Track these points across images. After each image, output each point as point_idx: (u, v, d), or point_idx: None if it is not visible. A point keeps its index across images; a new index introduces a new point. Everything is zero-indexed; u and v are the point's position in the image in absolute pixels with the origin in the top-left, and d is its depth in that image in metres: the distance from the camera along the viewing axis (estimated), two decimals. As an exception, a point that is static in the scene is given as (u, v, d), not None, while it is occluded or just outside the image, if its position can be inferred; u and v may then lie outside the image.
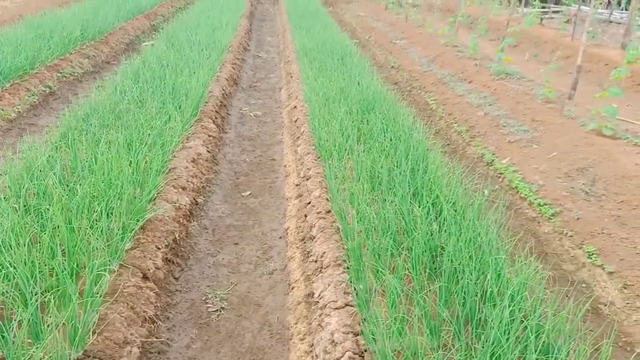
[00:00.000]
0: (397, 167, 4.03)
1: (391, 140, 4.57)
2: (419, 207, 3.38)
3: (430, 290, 2.72)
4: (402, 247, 3.10)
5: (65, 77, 7.65)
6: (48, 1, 13.61)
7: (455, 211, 3.38)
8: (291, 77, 8.32)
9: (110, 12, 10.94)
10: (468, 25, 13.44)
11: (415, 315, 2.54)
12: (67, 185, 3.57)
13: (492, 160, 5.66)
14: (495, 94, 7.42)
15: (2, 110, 5.96)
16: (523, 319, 2.39)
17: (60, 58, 7.89)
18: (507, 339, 2.21)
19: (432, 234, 3.13)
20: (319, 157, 4.85)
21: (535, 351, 2.19)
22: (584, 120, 6.00)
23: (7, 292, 2.53)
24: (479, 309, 2.58)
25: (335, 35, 10.05)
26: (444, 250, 2.95)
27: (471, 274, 2.66)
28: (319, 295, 3.10)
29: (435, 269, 2.98)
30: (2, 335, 2.29)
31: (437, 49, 10.59)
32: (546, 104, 6.75)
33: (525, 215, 4.64)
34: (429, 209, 3.38)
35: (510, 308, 2.39)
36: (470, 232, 3.03)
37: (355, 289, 2.93)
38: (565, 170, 5.00)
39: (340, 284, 3.03)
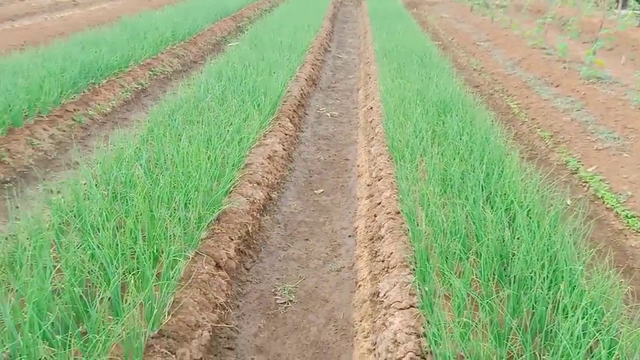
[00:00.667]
0: (471, 170, 3.94)
1: (467, 143, 4.47)
2: (492, 212, 3.30)
3: (498, 297, 2.65)
4: (470, 251, 3.04)
5: (156, 75, 8.12)
6: (144, 3, 14.48)
7: (530, 218, 3.26)
8: (369, 78, 8.34)
9: (200, 14, 11.46)
10: (558, 26, 12.82)
11: (480, 322, 2.49)
12: (151, 176, 3.80)
13: (577, 168, 5.38)
14: (584, 99, 7.04)
15: (99, 104, 6.43)
16: (596, 333, 2.27)
17: (152, 57, 8.38)
18: (578, 353, 2.12)
19: (503, 240, 3.04)
20: (391, 158, 4.83)
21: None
22: (683, 128, 5.57)
23: (92, 271, 2.74)
24: (549, 319, 2.48)
25: (416, 37, 9.95)
26: (515, 258, 2.86)
27: (543, 283, 2.57)
28: (385, 294, 3.10)
29: (504, 276, 2.89)
30: (86, 310, 2.49)
31: (523, 51, 10.20)
32: (640, 111, 6.32)
33: (610, 227, 4.38)
34: (502, 214, 3.28)
35: (584, 321, 2.29)
36: (545, 240, 2.92)
37: (420, 290, 2.91)
38: (657, 181, 4.67)
39: (406, 285, 3.02)
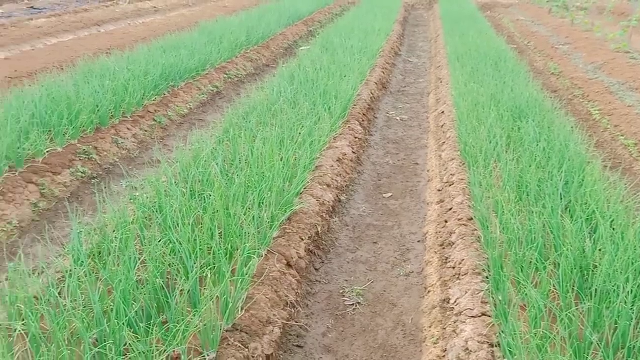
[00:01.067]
0: (548, 178, 3.81)
1: (544, 150, 4.32)
2: (571, 221, 3.17)
3: (577, 309, 2.55)
4: (548, 261, 2.93)
5: (230, 78, 8.38)
6: (220, 9, 14.98)
7: (614, 229, 3.11)
8: (441, 82, 8.22)
9: (273, 19, 11.73)
10: (645, 29, 12.09)
11: (559, 334, 2.40)
12: (227, 175, 3.94)
13: (664, 179, 5.06)
14: (674, 106, 6.60)
15: (177, 106, 6.73)
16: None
17: (227, 61, 8.67)
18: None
19: (584, 251, 2.92)
20: (463, 164, 4.75)
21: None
22: None
23: (173, 264, 2.88)
24: (633, 335, 2.36)
25: (490, 40, 9.70)
26: (597, 270, 2.74)
27: (627, 298, 2.44)
28: (455, 301, 3.06)
29: (585, 288, 2.77)
30: (167, 301, 2.62)
31: (605, 55, 9.71)
32: None
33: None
34: (583, 224, 3.15)
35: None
36: (630, 253, 2.77)
37: (493, 299, 2.84)
38: None
39: (478, 293, 2.96)
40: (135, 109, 6.05)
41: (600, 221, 3.10)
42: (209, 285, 2.69)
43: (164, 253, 2.93)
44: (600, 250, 2.91)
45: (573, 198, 3.51)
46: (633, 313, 2.43)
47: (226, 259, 2.98)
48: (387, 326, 3.30)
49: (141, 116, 6.04)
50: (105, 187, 4.65)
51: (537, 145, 4.43)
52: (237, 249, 3.11)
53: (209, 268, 2.86)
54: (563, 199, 3.52)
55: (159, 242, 3.01)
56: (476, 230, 3.63)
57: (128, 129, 5.74)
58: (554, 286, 2.74)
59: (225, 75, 8.29)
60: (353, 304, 3.50)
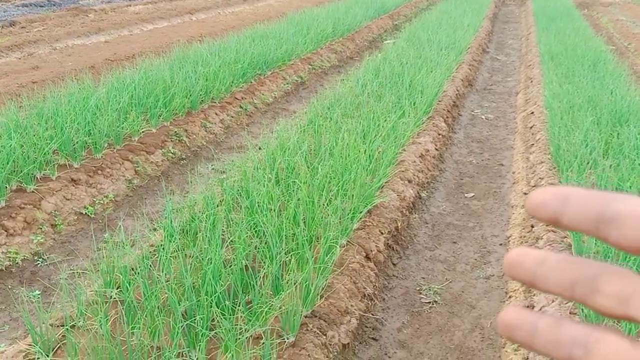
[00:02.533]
0: (650, 188, 3.57)
1: (646, 158, 4.05)
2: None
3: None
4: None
5: (314, 69, 8.47)
6: (307, 0, 15.14)
7: None
8: (531, 81, 7.89)
9: (359, 11, 11.71)
10: None
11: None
12: (311, 164, 4.00)
13: None
14: None
15: (262, 94, 6.89)
16: None
17: (312, 52, 8.76)
18: None
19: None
20: (553, 167, 4.54)
21: None
22: None
23: (258, 247, 2.97)
24: None
25: (587, 40, 9.18)
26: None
27: None
28: (540, 309, 2.94)
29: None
30: (251, 282, 2.71)
31: None
32: None
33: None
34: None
35: None
36: None
37: (583, 311, 2.71)
38: None
39: (566, 303, 2.83)
40: (224, 95, 6.26)
41: None
42: (292, 270, 2.75)
43: (250, 236, 3.02)
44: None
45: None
46: None
47: (309, 246, 3.03)
48: (465, 327, 3.24)
49: (229, 102, 6.24)
50: (193, 169, 4.85)
51: (638, 152, 4.15)
52: (319, 238, 3.15)
53: (292, 254, 2.93)
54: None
55: (245, 224, 3.11)
56: (566, 237, 3.47)
57: (216, 114, 5.95)
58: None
59: (310, 66, 8.38)
60: (430, 302, 3.46)
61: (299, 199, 3.40)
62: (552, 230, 3.60)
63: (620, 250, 0.30)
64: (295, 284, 2.66)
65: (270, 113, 6.75)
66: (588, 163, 4.14)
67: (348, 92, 5.95)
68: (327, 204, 3.45)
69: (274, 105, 7.00)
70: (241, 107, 6.36)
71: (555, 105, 5.52)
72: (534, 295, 3.12)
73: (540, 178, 4.52)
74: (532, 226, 3.91)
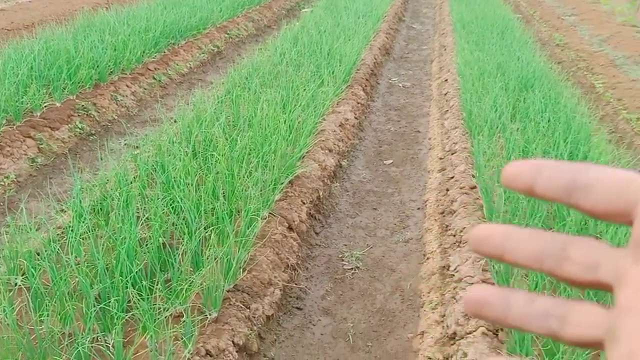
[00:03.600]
0: (553, 149, 3.79)
1: (549, 120, 4.29)
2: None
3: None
4: (550, 232, 2.94)
5: (231, 38, 8.23)
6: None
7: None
8: (445, 49, 8.10)
9: (275, -22, 11.44)
10: (653, 2, 11.90)
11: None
12: (229, 136, 3.90)
13: (666, 154, 5.06)
14: (679, 81, 6.55)
15: (177, 65, 6.62)
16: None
17: (228, 20, 8.49)
18: None
19: (586, 222, 2.93)
20: (466, 132, 4.72)
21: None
22: None
23: (176, 223, 2.87)
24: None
25: (496, 9, 9.53)
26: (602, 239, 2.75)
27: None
28: (455, 268, 3.08)
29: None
30: (170, 260, 2.62)
31: (612, 28, 9.57)
32: None
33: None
34: (586, 196, 3.15)
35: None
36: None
37: (494, 267, 2.86)
38: None
39: (479, 261, 2.97)
40: (135, 66, 5.94)
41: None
42: (212, 245, 2.68)
43: (167, 212, 2.91)
44: (602, 222, 2.92)
45: (577, 170, 3.50)
46: None
47: (229, 220, 2.97)
48: (386, 291, 3.33)
49: (140, 73, 5.94)
50: (104, 145, 4.60)
51: (542, 116, 4.39)
52: (240, 211, 3.10)
53: (212, 228, 2.86)
54: (567, 170, 3.51)
55: (161, 201, 2.99)
56: (478, 199, 3.63)
57: (127, 86, 5.65)
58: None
59: (227, 35, 8.13)
60: (352, 268, 3.52)
61: (217, 172, 3.31)
62: (466, 193, 3.75)
63: (590, 216, 0.31)
64: (215, 259, 2.60)
65: (185, 84, 6.51)
66: (497, 127, 4.33)
67: (266, 61, 5.83)
68: (248, 176, 3.39)
69: (190, 76, 6.75)
70: (154, 78, 6.07)
71: (467, 72, 5.71)
72: (449, 256, 3.25)
73: (454, 143, 4.68)
74: (447, 190, 4.06)
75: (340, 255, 3.65)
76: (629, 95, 6.51)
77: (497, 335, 2.46)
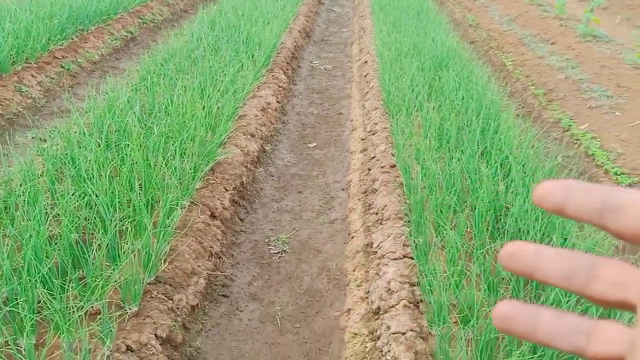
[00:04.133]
0: (467, 125, 3.94)
1: (463, 98, 4.45)
2: (487, 166, 3.32)
3: (491, 248, 2.70)
4: (465, 204, 3.07)
5: (145, 23, 7.91)
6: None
7: (525, 173, 3.29)
8: (364, 31, 8.20)
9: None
10: (556, -17, 12.59)
11: (474, 272, 2.54)
12: (145, 125, 3.76)
13: (570, 126, 5.40)
14: (579, 57, 7.00)
15: (87, 52, 6.28)
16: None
17: (142, 4, 8.15)
18: (568, 300, 2.18)
19: (497, 194, 3.08)
20: (386, 113, 4.81)
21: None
22: (677, 88, 5.58)
23: (89, 217, 2.74)
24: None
25: (412, -10, 9.73)
26: (509, 211, 2.90)
27: (536, 236, 2.61)
28: (378, 245, 3.15)
29: (498, 228, 2.93)
30: (83, 257, 2.50)
31: (520, 7, 10.05)
32: (634, 70, 6.31)
33: (601, 184, 4.44)
34: (497, 168, 3.31)
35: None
36: (538, 195, 2.95)
37: (414, 242, 2.95)
38: (649, 140, 4.72)
39: (400, 236, 3.06)
40: (40, 55, 5.58)
41: (513, 165, 3.27)
42: (129, 238, 2.59)
43: (79, 207, 2.78)
44: (512, 192, 3.08)
45: (489, 144, 3.66)
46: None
47: (147, 210, 2.87)
48: (312, 272, 3.36)
49: (47, 62, 5.59)
50: (9, 139, 4.30)
51: (457, 94, 4.55)
52: (159, 201, 3.00)
53: (129, 221, 2.75)
54: (480, 145, 3.67)
55: (73, 195, 2.84)
56: (398, 176, 3.72)
57: (32, 76, 5.30)
58: (470, 227, 2.88)
59: (140, 20, 7.81)
60: (278, 252, 3.52)
61: (133, 163, 3.18)
62: (386, 172, 3.84)
63: (620, 239, 0.32)
64: (133, 252, 2.51)
65: (97, 72, 6.20)
66: (415, 106, 4.44)
67: (183, 46, 5.66)
68: (166, 165, 3.29)
69: (102, 64, 6.43)
70: (63, 67, 5.74)
71: (385, 53, 5.81)
72: (372, 233, 3.32)
73: (375, 123, 4.76)
74: (369, 169, 4.13)
75: (266, 240, 3.64)
76: (536, 71, 6.87)
77: (417, 306, 2.55)
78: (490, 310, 2.21)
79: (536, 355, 2.03)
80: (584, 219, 0.33)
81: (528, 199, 2.89)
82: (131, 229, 2.68)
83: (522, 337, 0.35)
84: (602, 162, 4.61)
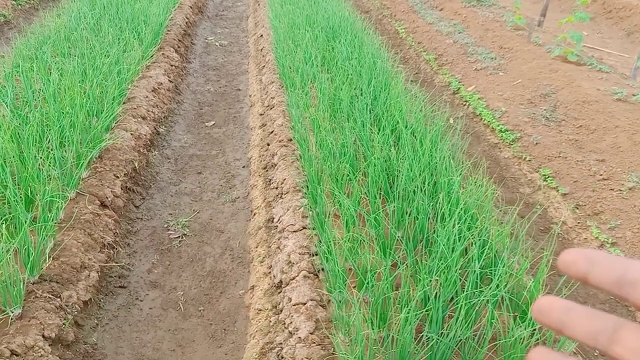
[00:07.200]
0: (359, 94, 4.00)
1: (355, 68, 4.50)
2: (379, 133, 3.39)
3: (384, 211, 2.77)
4: (359, 171, 3.13)
5: (20, 5, 7.26)
6: None
7: (414, 137, 3.40)
8: (258, 4, 8.05)
9: None
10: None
11: (368, 236, 2.60)
12: (19, 114, 3.47)
13: (459, 88, 5.65)
14: (465, 22, 7.30)
15: (-49, 39, 5.68)
16: (470, 236, 2.47)
17: (11, -16, 7.45)
18: (452, 254, 2.29)
19: (389, 159, 3.16)
20: (282, 86, 4.77)
21: (479, 263, 2.27)
22: (551, 47, 5.98)
23: (-43, 219, 2.50)
24: (430, 228, 2.65)
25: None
26: (400, 174, 2.99)
27: (424, 196, 2.71)
28: (279, 219, 3.14)
29: (391, 192, 3.02)
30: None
31: (410, -24, 10.28)
32: (515, 31, 6.69)
33: (487, 142, 4.70)
34: (388, 135, 3.39)
35: (459, 226, 2.46)
36: (427, 157, 3.06)
37: (312, 212, 2.97)
38: (528, 97, 5.04)
39: (299, 209, 3.07)
40: None
41: (403, 130, 3.36)
42: (3, 237, 2.39)
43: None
44: (402, 157, 3.17)
45: (380, 111, 3.74)
46: (430, 209, 2.72)
47: (24, 206, 2.67)
48: (215, 253, 3.30)
49: None
50: None
51: (349, 63, 4.59)
52: (38, 194, 2.79)
53: (3, 219, 2.54)
54: (372, 113, 3.74)
55: None
56: (296, 149, 3.72)
57: None
58: (364, 193, 2.94)
59: (14, 2, 7.15)
60: (179, 237, 3.42)
61: (5, 156, 2.93)
62: (285, 146, 3.82)
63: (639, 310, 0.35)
64: (10, 251, 2.32)
65: (-34, 61, 5.62)
66: (310, 78, 4.44)
67: (61, 27, 5.25)
68: (45, 156, 3.06)
69: (-29, 51, 5.84)
70: None
71: (278, 25, 5.74)
72: (273, 208, 3.31)
73: (272, 97, 4.71)
74: (268, 144, 4.10)
75: (165, 225, 3.52)
76: (427, 37, 7.10)
77: (317, 276, 2.58)
78: (383, 272, 2.28)
79: (424, 309, 2.12)
80: (605, 289, 0.37)
81: (416, 162, 2.99)
82: (6, 227, 2.47)
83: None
84: (488, 121, 4.87)
